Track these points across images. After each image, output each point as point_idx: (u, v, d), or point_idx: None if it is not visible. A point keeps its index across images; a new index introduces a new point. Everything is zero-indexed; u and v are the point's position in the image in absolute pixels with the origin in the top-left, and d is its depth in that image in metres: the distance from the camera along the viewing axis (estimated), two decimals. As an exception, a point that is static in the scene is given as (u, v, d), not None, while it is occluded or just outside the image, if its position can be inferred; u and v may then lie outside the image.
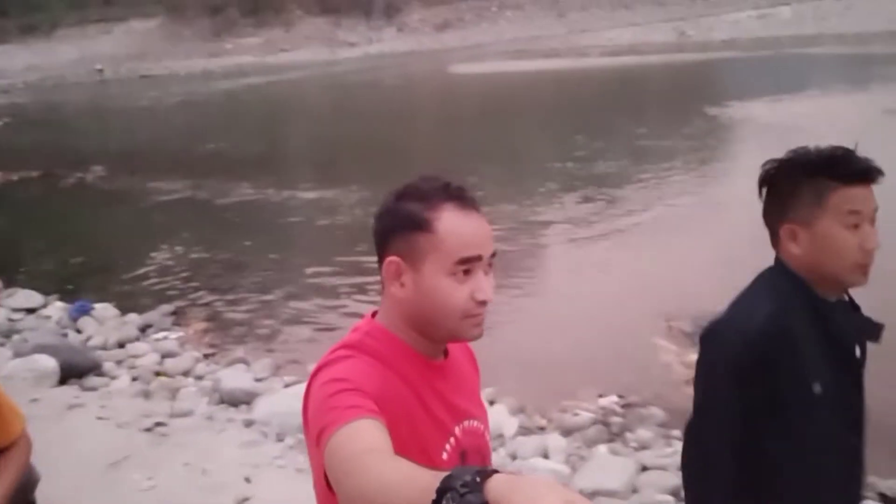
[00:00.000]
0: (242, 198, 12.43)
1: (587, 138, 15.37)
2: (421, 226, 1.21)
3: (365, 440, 1.01)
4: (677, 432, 4.40)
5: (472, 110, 23.60)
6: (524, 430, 4.52)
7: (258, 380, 5.30)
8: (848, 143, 1.61)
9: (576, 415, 4.72)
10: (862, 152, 1.56)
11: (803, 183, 1.55)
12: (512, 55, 41.71)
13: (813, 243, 1.53)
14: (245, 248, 9.58)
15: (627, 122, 17.25)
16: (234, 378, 5.28)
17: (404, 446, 1.10)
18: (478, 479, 0.77)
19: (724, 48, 37.28)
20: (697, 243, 8.35)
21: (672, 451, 4.12)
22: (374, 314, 1.32)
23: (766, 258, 1.67)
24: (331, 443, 1.03)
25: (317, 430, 1.10)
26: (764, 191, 1.63)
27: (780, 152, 1.62)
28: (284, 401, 4.65)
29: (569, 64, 34.71)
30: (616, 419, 4.63)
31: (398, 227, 1.24)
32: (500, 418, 4.49)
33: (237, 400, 4.93)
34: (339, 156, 16.77)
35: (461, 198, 1.24)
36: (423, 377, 1.26)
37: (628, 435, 4.43)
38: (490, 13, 59.12)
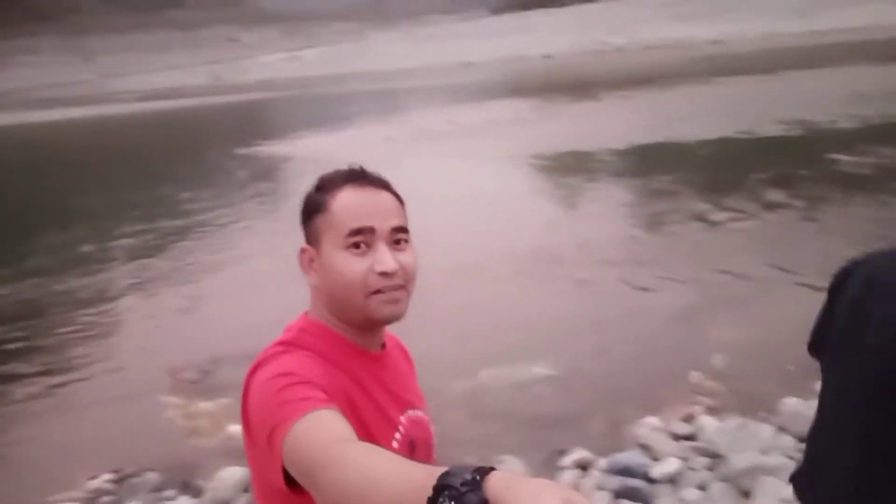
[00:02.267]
0: None
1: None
2: (318, 208, 1.23)
3: (330, 430, 0.95)
4: (171, 492, 4.27)
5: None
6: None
7: None
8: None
9: (61, 508, 4.23)
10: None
11: None
12: (35, 104, 37.30)
13: None
14: None
15: (161, 170, 16.71)
16: None
17: (362, 434, 1.06)
18: (477, 478, 0.73)
19: (258, 88, 38.98)
20: (203, 291, 8.39)
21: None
22: (306, 313, 1.28)
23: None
24: (289, 437, 0.97)
25: (267, 428, 1.03)
26: None
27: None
28: None
29: (100, 111, 32.41)
30: (107, 498, 4.27)
31: (304, 217, 1.26)
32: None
33: None
34: None
35: (359, 177, 1.24)
36: (364, 368, 1.23)
37: (117, 512, 4.12)
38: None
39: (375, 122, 22.09)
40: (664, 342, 5.66)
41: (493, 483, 0.72)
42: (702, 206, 9.60)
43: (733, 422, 4.25)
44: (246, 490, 4.14)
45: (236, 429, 4.95)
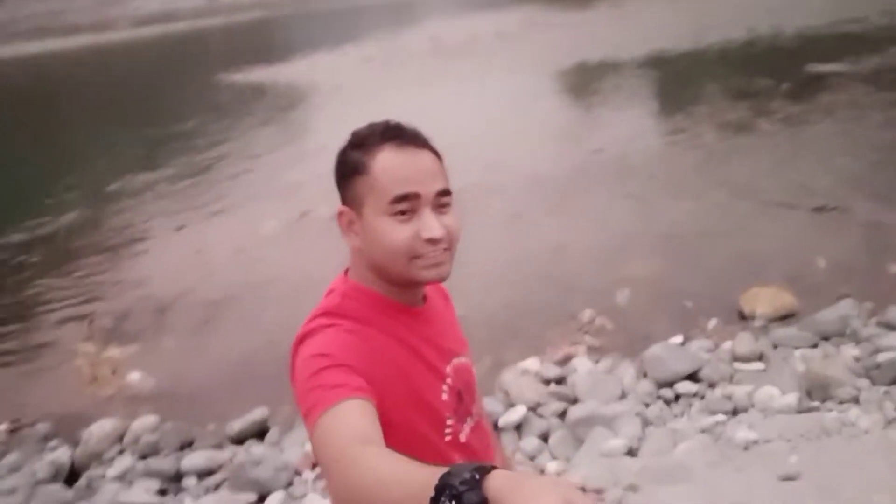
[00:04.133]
0: None
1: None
2: (358, 169, 1.18)
3: (352, 428, 0.96)
4: (55, 442, 4.39)
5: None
6: None
7: None
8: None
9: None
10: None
11: None
12: (28, 35, 36.85)
13: None
14: None
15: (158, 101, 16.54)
16: None
17: (405, 401, 1.14)
18: (476, 476, 0.74)
19: (255, 7, 37.99)
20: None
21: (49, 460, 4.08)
22: (347, 271, 1.27)
23: None
24: (318, 428, 1.00)
25: (304, 408, 1.06)
26: None
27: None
28: None
29: (94, 39, 31.95)
30: (-6, 449, 4.41)
31: (344, 177, 1.21)
32: None
33: None
34: None
35: (398, 136, 1.18)
36: (408, 327, 1.22)
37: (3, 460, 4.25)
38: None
39: (377, 39, 21.43)
40: (573, 275, 5.57)
41: (493, 482, 0.74)
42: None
43: (604, 364, 4.21)
44: (119, 439, 4.25)
45: (135, 377, 5.10)
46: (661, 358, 3.93)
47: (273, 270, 6.48)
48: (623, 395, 3.83)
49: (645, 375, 3.93)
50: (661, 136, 9.12)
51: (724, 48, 13.82)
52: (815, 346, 4.00)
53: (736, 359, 4.03)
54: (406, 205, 1.14)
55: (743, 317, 4.66)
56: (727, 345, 4.19)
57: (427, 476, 0.78)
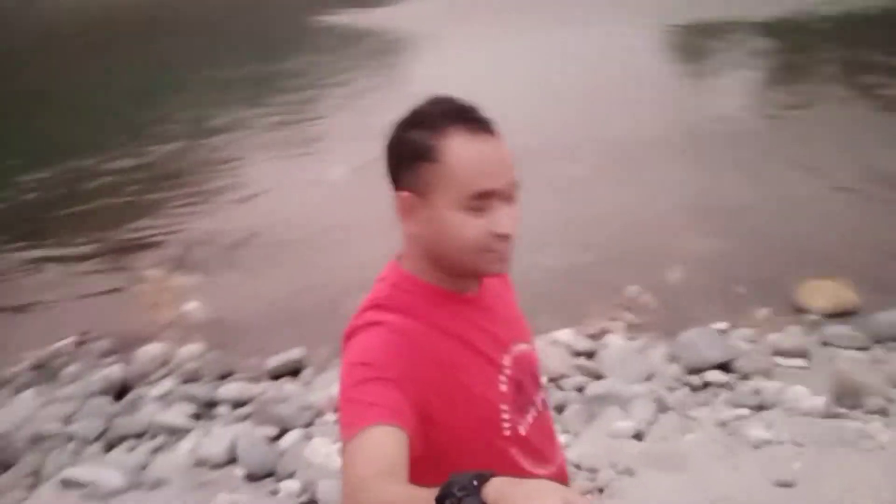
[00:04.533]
0: None
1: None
2: (427, 156, 1.09)
3: (376, 459, 0.96)
4: (111, 359, 4.74)
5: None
6: None
7: None
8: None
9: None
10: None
11: None
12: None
13: None
14: None
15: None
16: None
17: (454, 398, 1.09)
18: (475, 483, 0.76)
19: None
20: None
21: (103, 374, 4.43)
22: (399, 257, 1.21)
23: None
24: (347, 449, 0.99)
25: (341, 420, 1.04)
26: None
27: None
28: None
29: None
30: (63, 358, 4.80)
31: (405, 159, 1.12)
32: None
33: None
34: None
35: (472, 120, 1.11)
36: (461, 317, 1.17)
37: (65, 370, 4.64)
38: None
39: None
40: (627, 247, 5.41)
41: (493, 487, 0.75)
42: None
43: (638, 343, 4.11)
44: (166, 363, 4.53)
45: (192, 306, 5.39)
46: (693, 343, 3.80)
47: (339, 216, 6.65)
48: (649, 377, 3.74)
49: (676, 360, 3.82)
50: (758, 109, 8.62)
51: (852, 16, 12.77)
52: (865, 348, 3.76)
53: (777, 353, 3.84)
54: (483, 201, 1.09)
55: (799, 309, 4.43)
56: (772, 337, 3.99)
57: (430, 493, 0.79)
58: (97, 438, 3.86)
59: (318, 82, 12.65)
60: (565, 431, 3.40)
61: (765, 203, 5.91)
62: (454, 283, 1.17)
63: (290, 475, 3.17)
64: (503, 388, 1.18)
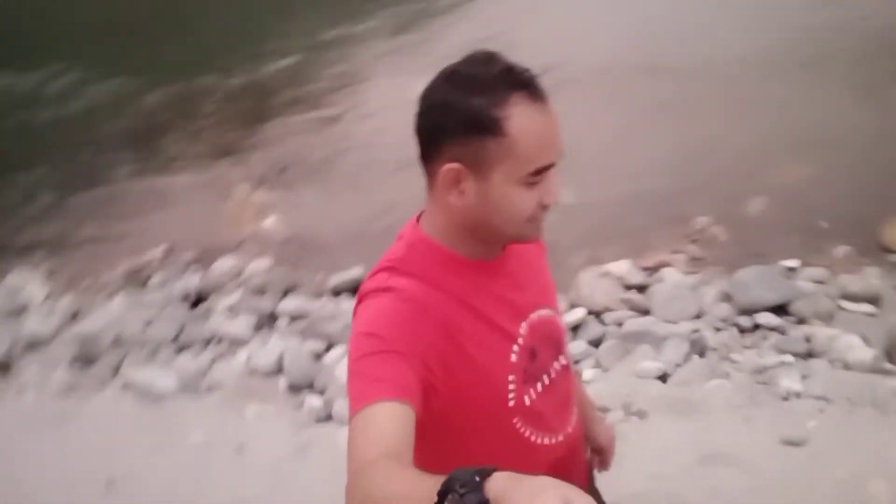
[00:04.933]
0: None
1: None
2: (489, 128, 1.01)
3: (380, 438, 0.95)
4: (193, 269, 5.10)
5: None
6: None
7: None
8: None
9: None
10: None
11: None
12: None
13: None
14: None
15: None
16: None
17: (458, 367, 1.09)
18: (477, 479, 0.75)
19: None
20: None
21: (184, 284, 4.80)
22: (419, 217, 1.18)
23: None
24: (352, 424, 0.99)
25: (348, 393, 1.03)
26: None
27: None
28: None
29: None
30: (152, 266, 5.23)
31: (458, 129, 1.04)
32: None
33: None
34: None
35: (531, 86, 1.04)
36: (475, 285, 1.15)
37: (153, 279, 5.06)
38: None
39: None
40: (707, 175, 5.08)
41: (495, 483, 0.74)
42: None
43: (695, 279, 3.93)
44: (238, 275, 4.82)
45: (270, 222, 5.64)
46: (747, 283, 3.58)
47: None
48: (698, 315, 3.59)
49: (729, 299, 3.63)
50: (890, 17, 7.62)
51: None
52: (950, 297, 3.41)
53: (845, 296, 3.56)
54: (541, 175, 1.04)
55: (886, 249, 4.04)
56: (843, 278, 3.69)
57: (432, 484, 0.78)
58: (171, 343, 4.23)
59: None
60: (597, 366, 3.37)
61: (878, 132, 5.32)
62: (477, 249, 1.14)
63: (322, 391, 3.35)
64: (513, 357, 1.16)
